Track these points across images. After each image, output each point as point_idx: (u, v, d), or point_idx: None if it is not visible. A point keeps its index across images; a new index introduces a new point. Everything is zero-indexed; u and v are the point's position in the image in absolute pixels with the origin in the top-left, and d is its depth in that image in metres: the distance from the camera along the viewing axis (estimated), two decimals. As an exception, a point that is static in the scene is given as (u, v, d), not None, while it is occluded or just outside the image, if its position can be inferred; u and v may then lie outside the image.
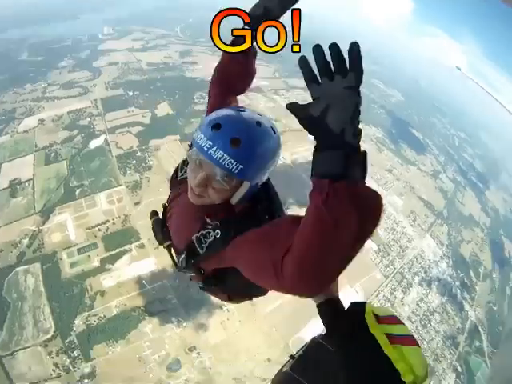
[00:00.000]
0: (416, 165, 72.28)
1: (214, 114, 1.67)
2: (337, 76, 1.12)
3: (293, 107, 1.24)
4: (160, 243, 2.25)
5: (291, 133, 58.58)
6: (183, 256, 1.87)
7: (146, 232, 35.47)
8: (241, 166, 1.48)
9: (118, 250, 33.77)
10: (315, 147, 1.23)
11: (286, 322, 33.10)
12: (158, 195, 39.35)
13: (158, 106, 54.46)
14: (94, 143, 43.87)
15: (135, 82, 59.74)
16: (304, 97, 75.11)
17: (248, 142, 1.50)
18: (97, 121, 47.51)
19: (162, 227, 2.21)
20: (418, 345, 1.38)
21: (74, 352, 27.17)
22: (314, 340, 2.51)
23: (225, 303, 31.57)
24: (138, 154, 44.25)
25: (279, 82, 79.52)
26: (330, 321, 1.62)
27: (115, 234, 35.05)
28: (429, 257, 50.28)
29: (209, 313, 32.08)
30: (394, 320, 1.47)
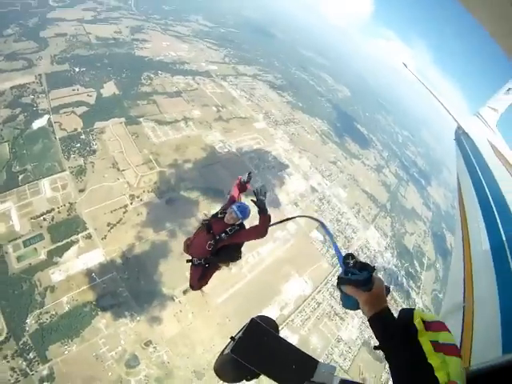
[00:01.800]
0: (360, 159, 75.42)
1: (238, 203, 5.22)
2: (262, 196, 4.89)
3: (252, 201, 4.89)
4: (208, 232, 5.23)
5: (237, 120, 59.82)
6: (223, 234, 5.12)
7: (92, 221, 34.62)
8: (242, 217, 5.08)
9: (64, 242, 32.18)
10: (258, 211, 4.90)
11: (238, 311, 33.65)
12: (103, 181, 38.15)
13: (104, 84, 52.08)
14: (37, 123, 40.89)
15: (82, 57, 56.19)
16: (251, 84, 76.76)
17: (245, 212, 5.10)
18: (40, 98, 44.18)
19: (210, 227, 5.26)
20: (459, 355, 1.44)
21: (30, 354, 25.89)
22: (252, 321, 2.56)
23: (176, 295, 32.57)
24: (83, 136, 42.11)
25: (228, 67, 79.20)
26: (381, 333, 1.68)
27: (61, 224, 33.31)
28: (373, 247, 53.18)
29: (161, 305, 31.85)
30: (440, 326, 1.53)
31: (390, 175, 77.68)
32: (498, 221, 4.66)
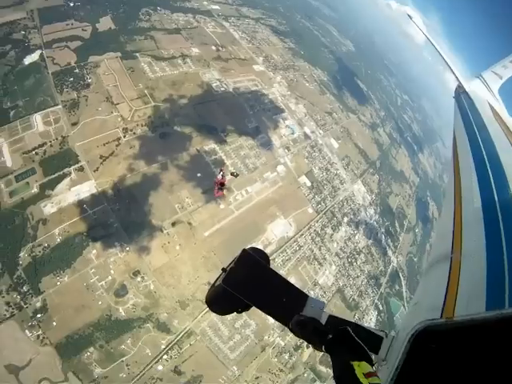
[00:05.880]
0: (356, 113, 75.10)
1: (221, 174, 27.04)
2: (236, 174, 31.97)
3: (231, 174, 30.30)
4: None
5: (236, 61, 58.93)
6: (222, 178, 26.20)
7: (84, 154, 35.16)
8: (222, 178, 27.01)
9: (57, 174, 32.75)
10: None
11: (223, 246, 35.20)
12: (96, 114, 38.10)
13: (100, 19, 50.13)
14: (29, 59, 39.76)
15: (78, -9, 53.29)
16: (254, 27, 74.55)
17: (225, 177, 27.35)
18: (32, 34, 42.48)
19: None
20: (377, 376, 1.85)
21: (24, 287, 26.93)
22: (244, 252, 2.69)
23: (164, 226, 34.19)
24: (76, 70, 41.29)
25: (231, 8, 76.37)
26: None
27: (53, 158, 33.67)
28: (358, 201, 54.60)
29: (150, 236, 33.14)
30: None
31: (384, 135, 77.81)
32: (491, 179, 4.60)
